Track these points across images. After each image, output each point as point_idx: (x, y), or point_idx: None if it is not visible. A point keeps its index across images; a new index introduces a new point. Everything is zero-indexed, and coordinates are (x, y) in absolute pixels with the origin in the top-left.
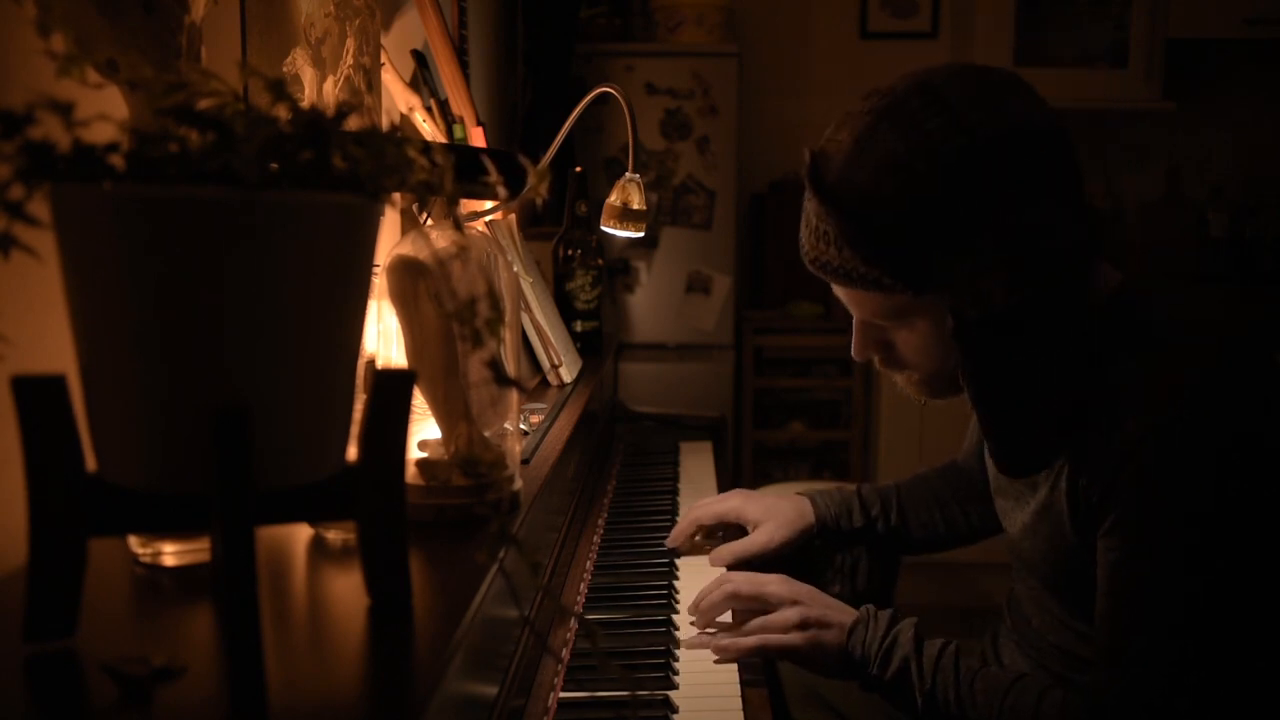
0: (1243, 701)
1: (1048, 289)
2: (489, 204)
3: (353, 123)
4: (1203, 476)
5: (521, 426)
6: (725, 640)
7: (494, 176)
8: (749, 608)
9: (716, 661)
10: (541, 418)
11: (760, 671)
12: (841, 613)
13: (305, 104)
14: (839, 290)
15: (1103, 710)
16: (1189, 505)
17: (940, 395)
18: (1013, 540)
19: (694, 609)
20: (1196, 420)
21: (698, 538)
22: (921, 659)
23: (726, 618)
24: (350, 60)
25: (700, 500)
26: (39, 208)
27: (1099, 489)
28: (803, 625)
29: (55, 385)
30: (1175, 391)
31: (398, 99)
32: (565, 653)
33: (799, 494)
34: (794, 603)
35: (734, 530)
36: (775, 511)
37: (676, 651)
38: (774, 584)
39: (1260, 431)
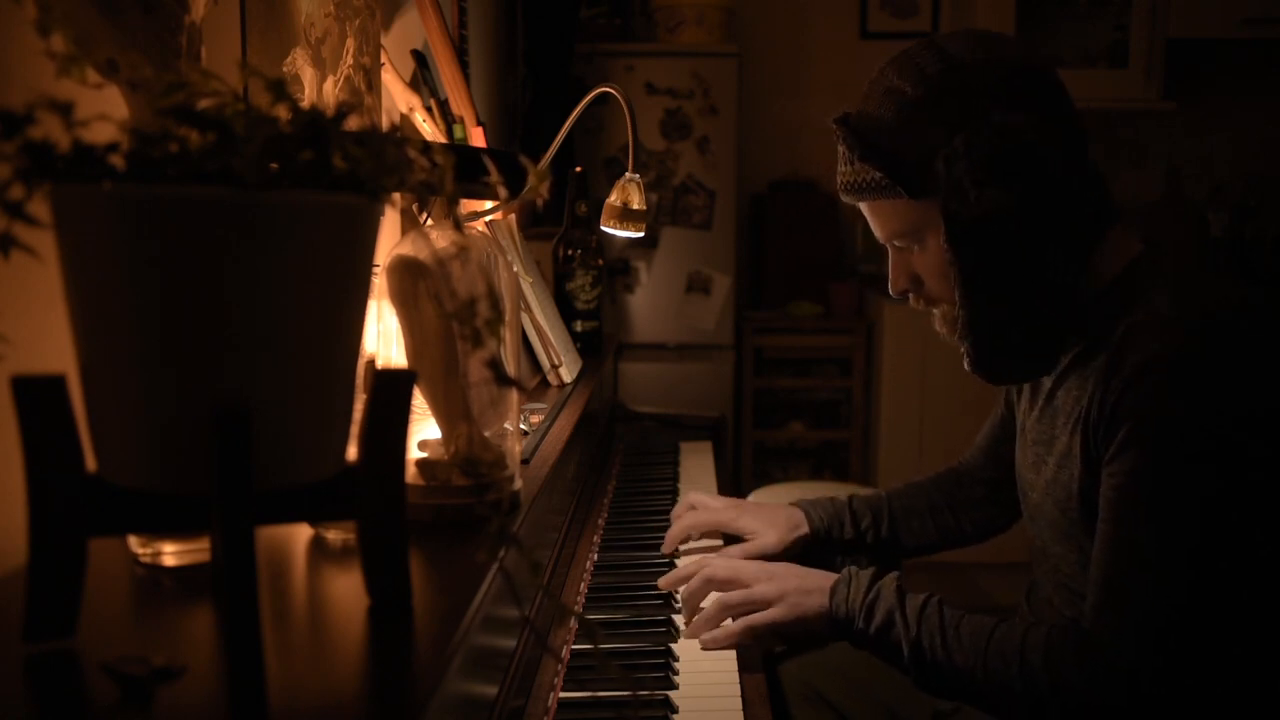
0: (1234, 634)
1: (1020, 187)
2: (489, 204)
3: (353, 123)
4: (1207, 404)
5: (521, 426)
6: (715, 630)
7: (494, 176)
8: (727, 590)
9: (704, 648)
10: (541, 418)
11: (759, 666)
12: (823, 578)
13: (305, 104)
14: (865, 209)
15: (1091, 639)
16: (1189, 431)
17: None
18: (1033, 506)
19: (668, 584)
20: (1205, 350)
21: (702, 541)
22: (905, 609)
23: (710, 600)
24: (350, 60)
25: (692, 495)
26: (39, 208)
27: (1106, 416)
28: (782, 597)
29: (55, 385)
30: (1190, 325)
31: (398, 99)
32: (565, 652)
33: (791, 504)
34: (770, 578)
35: (730, 537)
36: (774, 520)
37: (676, 650)
38: (750, 565)
39: (1274, 378)
